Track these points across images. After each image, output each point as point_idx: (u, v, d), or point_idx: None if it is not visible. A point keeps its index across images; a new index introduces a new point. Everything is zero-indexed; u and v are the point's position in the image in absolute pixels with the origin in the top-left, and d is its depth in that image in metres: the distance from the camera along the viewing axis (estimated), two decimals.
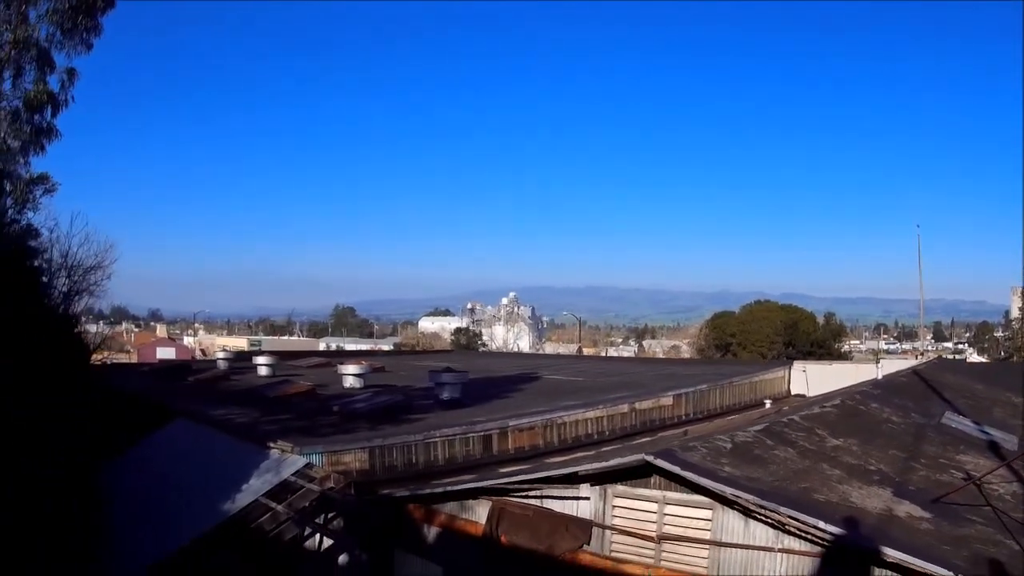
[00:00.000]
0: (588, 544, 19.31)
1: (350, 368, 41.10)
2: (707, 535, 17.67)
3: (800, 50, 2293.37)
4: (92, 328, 63.11)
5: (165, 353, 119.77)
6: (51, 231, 39.48)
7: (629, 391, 39.21)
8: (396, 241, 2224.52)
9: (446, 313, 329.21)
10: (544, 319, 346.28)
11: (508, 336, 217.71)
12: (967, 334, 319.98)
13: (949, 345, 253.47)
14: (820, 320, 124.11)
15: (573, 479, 19.72)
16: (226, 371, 50.63)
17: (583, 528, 19.45)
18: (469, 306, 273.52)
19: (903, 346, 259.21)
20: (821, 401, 30.42)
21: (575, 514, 19.80)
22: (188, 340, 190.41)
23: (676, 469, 17.41)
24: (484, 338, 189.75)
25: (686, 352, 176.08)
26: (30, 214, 31.58)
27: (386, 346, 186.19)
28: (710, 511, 17.66)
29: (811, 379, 51.41)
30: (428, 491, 22.52)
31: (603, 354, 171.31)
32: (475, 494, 21.69)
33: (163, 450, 30.89)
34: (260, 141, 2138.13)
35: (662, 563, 18.14)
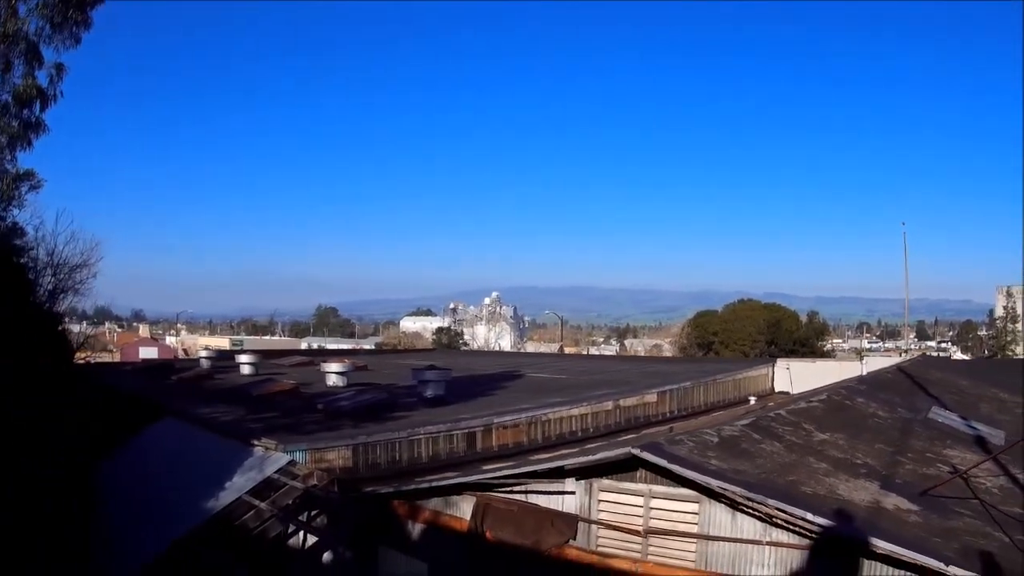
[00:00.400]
0: (574, 539, 19.29)
1: (333, 366, 41.03)
2: (694, 529, 17.70)
3: (782, 49, 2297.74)
4: (75, 328, 63.00)
5: (148, 353, 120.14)
6: (36, 229, 39.48)
7: (613, 388, 39.17)
8: (378, 242, 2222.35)
9: (428, 313, 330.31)
10: (526, 319, 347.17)
11: (490, 335, 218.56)
12: (950, 333, 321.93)
13: (932, 344, 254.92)
14: (803, 319, 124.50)
15: (559, 473, 19.71)
16: (209, 370, 50.54)
17: (569, 523, 19.43)
18: (451, 306, 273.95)
19: (886, 344, 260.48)
20: (807, 396, 30.46)
21: (560, 509, 19.78)
22: (170, 340, 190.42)
23: (663, 462, 17.41)
24: (466, 337, 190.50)
25: (668, 351, 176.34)
26: (16, 211, 31.35)
27: (368, 346, 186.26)
28: (697, 504, 17.68)
29: (795, 377, 51.56)
30: (412, 487, 22.47)
31: (585, 353, 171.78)
32: (459, 490, 21.66)
33: (150, 449, 30.84)
34: (240, 142, 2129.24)
35: (649, 557, 18.14)
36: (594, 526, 19.21)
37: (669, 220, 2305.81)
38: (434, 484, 22.04)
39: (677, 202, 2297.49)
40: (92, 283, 47.06)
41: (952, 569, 13.47)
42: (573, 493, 19.62)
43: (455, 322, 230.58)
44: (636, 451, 17.75)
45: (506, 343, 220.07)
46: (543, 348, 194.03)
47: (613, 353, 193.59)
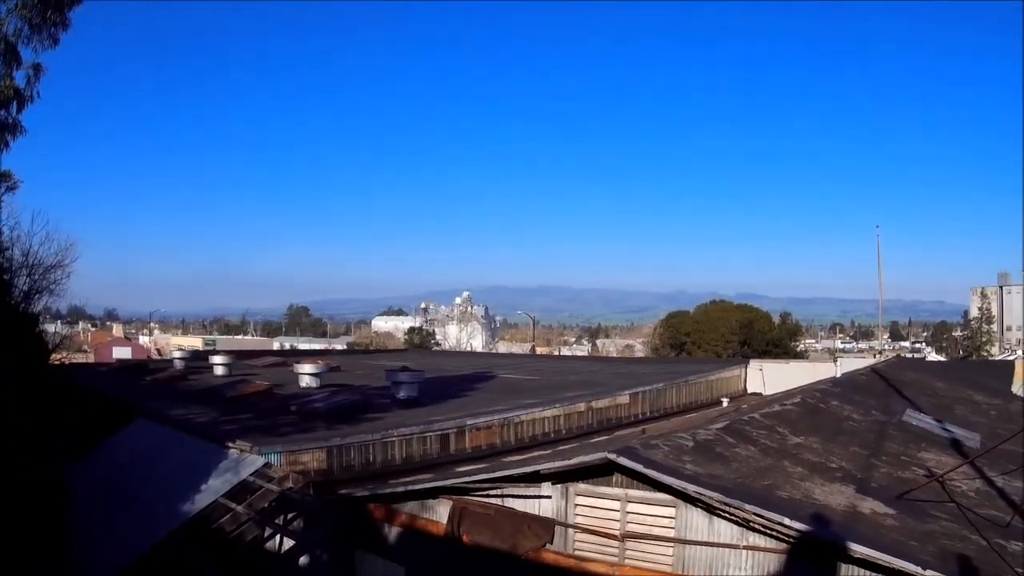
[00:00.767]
0: (551, 543, 19.36)
1: (306, 367, 41.16)
2: (671, 533, 17.78)
3: (757, 49, 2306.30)
4: (50, 327, 62.94)
5: (121, 353, 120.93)
6: (12, 229, 39.39)
7: (585, 390, 39.49)
8: (350, 241, 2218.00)
9: (399, 313, 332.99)
10: (497, 319, 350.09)
11: (461, 335, 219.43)
12: (924, 334, 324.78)
13: (906, 344, 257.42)
14: (776, 320, 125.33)
15: (535, 478, 19.78)
16: (183, 371, 50.70)
17: (545, 527, 19.52)
18: (423, 306, 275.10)
19: (859, 345, 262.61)
20: (781, 399, 30.69)
21: (537, 513, 19.86)
22: (144, 340, 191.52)
23: (639, 467, 17.51)
24: (437, 337, 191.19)
25: (640, 351, 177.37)
26: None
27: (340, 345, 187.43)
28: (673, 509, 17.77)
29: (768, 378, 51.98)
30: (389, 491, 22.46)
31: (556, 353, 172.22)
32: (435, 493, 21.68)
33: (125, 450, 30.76)
34: (214, 141, 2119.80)
35: (626, 561, 18.24)
36: (571, 530, 19.27)
37: (640, 220, 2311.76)
38: (410, 488, 22.02)
39: (648, 202, 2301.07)
40: (66, 283, 47.08)
41: (930, 573, 13.60)
42: (549, 497, 19.69)
43: (427, 322, 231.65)
44: (612, 456, 17.83)
45: (478, 343, 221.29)
46: (515, 348, 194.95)
47: (585, 353, 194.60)
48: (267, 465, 23.82)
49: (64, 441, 30.01)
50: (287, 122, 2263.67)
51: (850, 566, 14.90)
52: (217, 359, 50.29)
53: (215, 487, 23.76)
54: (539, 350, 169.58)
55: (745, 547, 16.71)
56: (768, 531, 16.14)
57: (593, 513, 19.07)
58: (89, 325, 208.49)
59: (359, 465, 25.75)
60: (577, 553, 19.06)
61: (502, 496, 20.59)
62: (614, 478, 18.73)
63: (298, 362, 44.79)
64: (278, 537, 23.09)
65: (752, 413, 26.07)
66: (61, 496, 26.70)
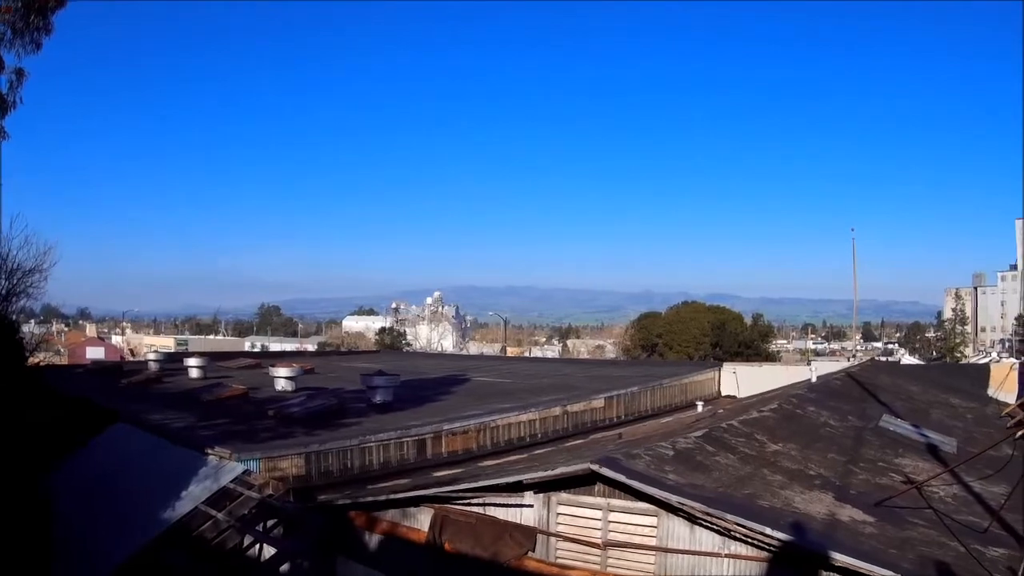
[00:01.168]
0: (533, 551, 19.64)
1: (282, 371, 41.51)
2: (653, 541, 18.11)
3: (726, 50, 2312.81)
4: (25, 327, 62.98)
5: (95, 353, 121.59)
6: None
7: (560, 393, 39.86)
8: (320, 240, 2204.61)
9: (370, 312, 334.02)
10: (468, 318, 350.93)
11: (432, 336, 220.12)
12: (898, 334, 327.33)
13: (879, 345, 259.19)
14: (748, 321, 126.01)
15: (517, 487, 20.06)
16: (158, 373, 50.66)
17: (527, 535, 19.81)
18: (393, 305, 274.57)
19: (831, 346, 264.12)
20: (758, 405, 31.12)
21: (519, 521, 20.14)
22: (116, 339, 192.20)
23: (622, 478, 17.84)
24: (408, 337, 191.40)
25: (611, 351, 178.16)
26: None
27: (311, 345, 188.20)
28: (655, 518, 18.11)
29: (741, 380, 52.45)
30: (370, 499, 22.74)
31: (527, 353, 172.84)
32: (417, 502, 21.94)
33: (104, 455, 30.72)
34: (182, 139, 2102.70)
35: (608, 568, 18.55)
36: (553, 538, 19.56)
37: (609, 220, 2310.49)
38: (392, 496, 22.26)
39: (617, 202, 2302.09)
40: (44, 286, 47.14)
41: None
42: (531, 506, 19.96)
43: (398, 322, 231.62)
44: (595, 467, 18.12)
45: (449, 344, 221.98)
46: (485, 348, 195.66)
47: (556, 353, 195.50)
48: (247, 472, 24.00)
49: (43, 446, 30.07)
50: (253, 121, 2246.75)
51: (831, 574, 15.24)
52: (192, 361, 50.49)
53: (195, 494, 23.87)
54: (510, 350, 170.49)
55: (727, 555, 17.06)
56: (750, 540, 16.50)
57: (575, 522, 19.37)
58: (63, 325, 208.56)
59: (337, 471, 26.05)
60: (559, 561, 19.35)
61: (483, 504, 20.85)
62: (596, 487, 19.03)
63: (272, 365, 45.21)
64: (259, 545, 23.27)
65: (730, 420, 26.49)
66: (43, 503, 26.78)
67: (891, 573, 14.20)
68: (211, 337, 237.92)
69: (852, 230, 74.45)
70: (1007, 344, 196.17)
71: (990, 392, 39.71)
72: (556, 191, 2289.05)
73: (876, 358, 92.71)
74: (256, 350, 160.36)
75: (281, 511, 23.15)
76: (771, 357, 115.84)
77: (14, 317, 42.42)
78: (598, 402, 38.47)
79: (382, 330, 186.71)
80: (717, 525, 16.86)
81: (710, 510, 16.66)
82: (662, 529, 18.01)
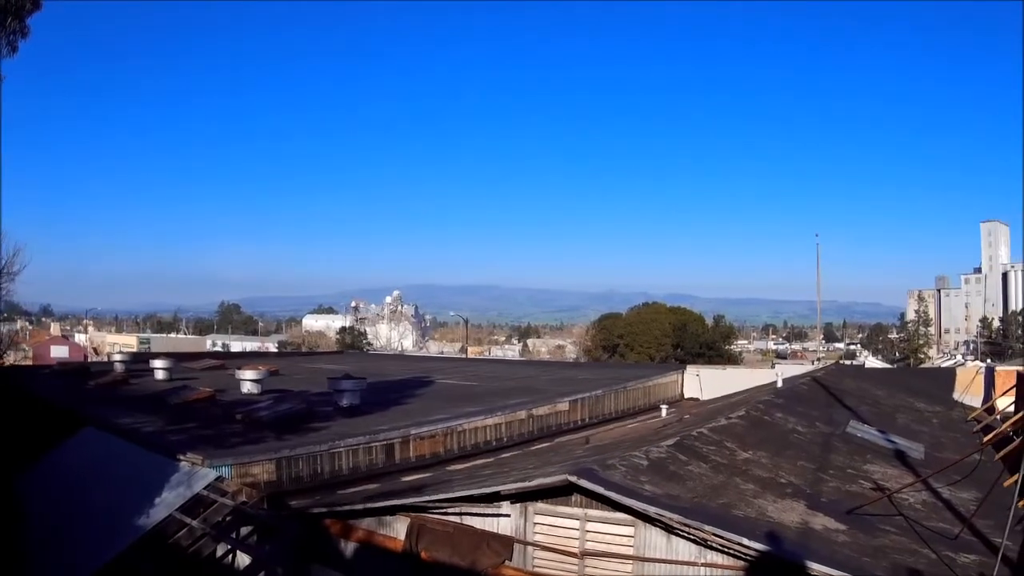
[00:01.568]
0: (510, 560, 19.95)
1: (248, 374, 41.90)
2: (630, 551, 18.49)
3: (686, 50, 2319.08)
4: None
5: (59, 352, 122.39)
6: None
7: (525, 396, 40.42)
8: (278, 238, 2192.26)
9: (330, 311, 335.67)
10: (427, 318, 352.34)
11: (392, 335, 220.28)
12: (860, 335, 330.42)
13: (841, 346, 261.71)
14: (709, 322, 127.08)
15: (495, 497, 20.36)
16: (125, 374, 50.90)
17: (504, 544, 20.12)
18: (353, 304, 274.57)
19: (792, 347, 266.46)
20: (725, 411, 31.57)
21: (496, 530, 20.45)
22: (80, 338, 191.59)
23: (600, 489, 18.21)
24: (369, 337, 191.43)
25: (571, 352, 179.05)
26: None
27: (272, 344, 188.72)
28: (632, 528, 18.49)
29: (704, 383, 53.14)
30: (347, 507, 22.89)
31: (487, 353, 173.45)
32: (394, 510, 22.16)
33: (74, 461, 30.70)
34: (142, 136, 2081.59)
35: None
36: (530, 547, 19.87)
37: (568, 219, 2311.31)
38: (369, 506, 22.48)
39: (575, 201, 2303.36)
40: (11, 287, 47.32)
41: None
42: (508, 516, 20.27)
43: (357, 321, 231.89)
44: (573, 479, 18.46)
45: (408, 343, 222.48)
46: (446, 347, 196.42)
47: (516, 353, 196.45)
48: (219, 478, 24.14)
49: (14, 449, 30.09)
50: (215, 119, 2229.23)
51: None
52: (157, 363, 51.04)
53: (169, 501, 23.97)
54: (470, 350, 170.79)
55: (703, 564, 17.48)
56: (727, 550, 16.90)
57: (552, 531, 19.70)
58: (26, 322, 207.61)
59: (308, 476, 26.29)
60: (536, 570, 19.67)
61: (460, 513, 21.14)
62: (573, 498, 19.38)
63: (238, 367, 45.54)
64: (234, 552, 23.44)
65: (700, 427, 26.90)
66: (13, 509, 26.82)
67: None
68: (172, 336, 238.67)
69: (816, 235, 75.64)
70: (971, 346, 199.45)
71: (956, 396, 40.44)
72: (516, 190, 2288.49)
73: (840, 361, 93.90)
74: (218, 349, 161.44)
75: (256, 518, 23.28)
76: (733, 359, 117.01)
77: None
78: (563, 405, 39.03)
79: (343, 329, 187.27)
80: (694, 535, 17.24)
81: (688, 521, 17.04)
82: (639, 539, 18.38)
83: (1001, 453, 25.49)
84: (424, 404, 38.40)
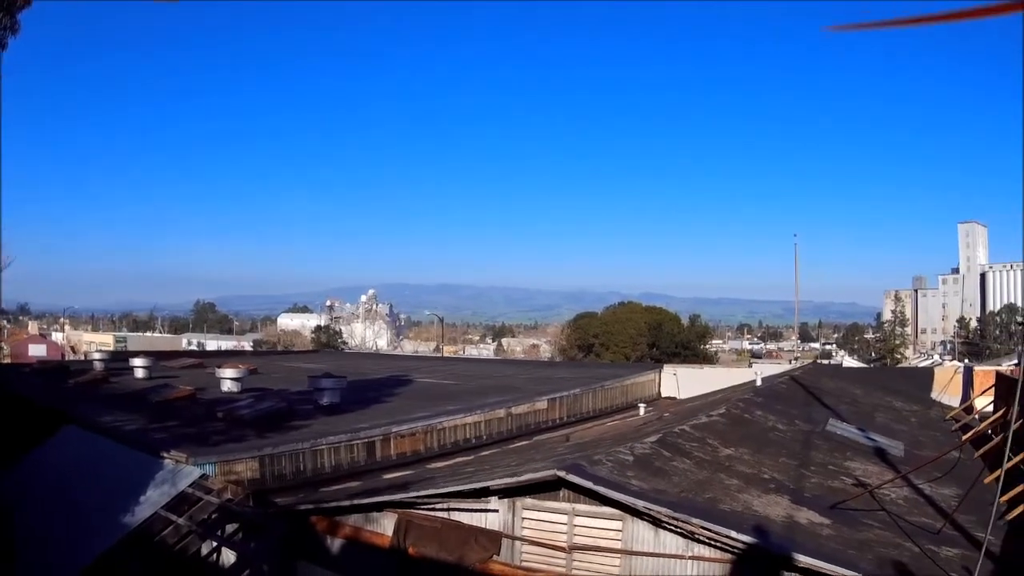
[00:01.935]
0: (498, 555, 20.22)
1: (228, 372, 42.03)
2: (618, 545, 18.80)
3: (663, 48, 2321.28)
4: None
5: (37, 351, 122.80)
6: None
7: (503, 395, 40.81)
8: (254, 237, 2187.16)
9: (304, 310, 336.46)
10: (402, 317, 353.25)
11: (367, 334, 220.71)
12: (836, 335, 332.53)
13: (816, 346, 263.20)
14: (684, 321, 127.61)
15: (483, 493, 20.65)
16: (104, 373, 50.79)
17: (492, 539, 20.39)
18: (328, 303, 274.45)
19: (768, 346, 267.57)
20: (705, 409, 31.98)
21: (484, 526, 20.72)
22: (56, 336, 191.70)
23: (589, 484, 18.50)
24: (344, 336, 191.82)
25: (546, 351, 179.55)
26: None
27: (247, 343, 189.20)
28: (620, 522, 18.80)
29: (682, 382, 53.65)
30: (334, 504, 23.06)
31: (462, 352, 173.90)
32: (381, 507, 22.39)
33: (57, 459, 30.76)
34: (117, 135, 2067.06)
35: (574, 571, 19.17)
36: (518, 542, 20.14)
37: (541, 219, 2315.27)
38: (356, 502, 22.68)
39: (549, 200, 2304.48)
40: None
41: None
42: (496, 511, 20.54)
43: (332, 320, 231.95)
44: (562, 474, 18.70)
45: (383, 342, 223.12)
46: (421, 347, 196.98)
47: (490, 352, 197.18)
48: (204, 476, 24.37)
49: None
50: (190, 117, 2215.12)
51: (792, 574, 16.07)
52: (137, 361, 51.40)
53: (154, 499, 24.16)
54: (445, 349, 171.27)
55: (691, 557, 17.83)
56: (714, 542, 17.30)
57: (540, 526, 19.98)
58: (5, 320, 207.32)
59: (291, 474, 26.54)
60: (524, 565, 19.96)
61: (448, 509, 21.42)
62: (561, 493, 19.67)
63: (217, 365, 45.68)
64: (220, 549, 23.65)
65: (681, 425, 27.27)
66: (2, 505, 26.95)
67: (852, 573, 15.01)
68: (148, 334, 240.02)
69: (795, 236, 76.30)
70: (948, 346, 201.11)
71: (934, 395, 40.99)
72: (488, 190, 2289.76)
73: (817, 360, 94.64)
74: (195, 348, 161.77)
75: (242, 516, 23.46)
76: (709, 358, 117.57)
77: None
78: (541, 404, 39.43)
79: (318, 328, 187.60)
80: (682, 528, 17.59)
81: (676, 514, 17.38)
82: (627, 532, 18.70)
83: (981, 451, 26.07)
84: (404, 403, 38.64)
